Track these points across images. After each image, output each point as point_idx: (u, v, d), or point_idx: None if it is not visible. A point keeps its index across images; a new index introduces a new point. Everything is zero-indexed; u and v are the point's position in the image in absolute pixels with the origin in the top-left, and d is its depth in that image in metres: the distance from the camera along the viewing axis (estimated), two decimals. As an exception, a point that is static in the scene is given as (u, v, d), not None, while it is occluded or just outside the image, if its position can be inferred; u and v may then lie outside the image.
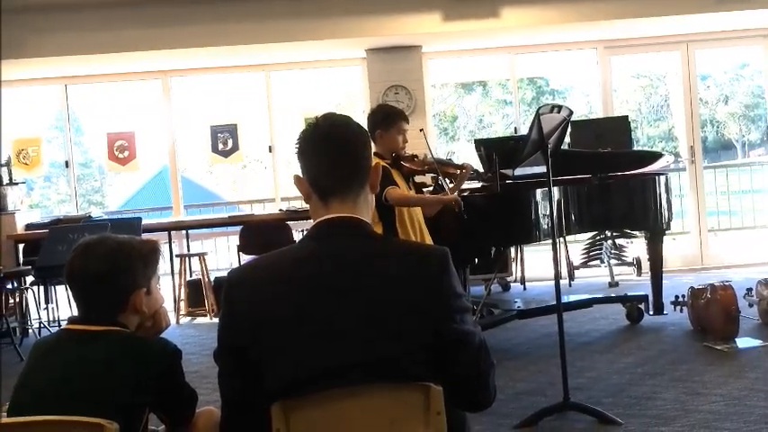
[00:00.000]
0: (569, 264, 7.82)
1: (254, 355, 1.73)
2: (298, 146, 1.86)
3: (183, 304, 7.74)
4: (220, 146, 8.53)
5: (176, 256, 7.98)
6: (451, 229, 4.76)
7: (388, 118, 4.34)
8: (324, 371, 1.68)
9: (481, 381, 1.83)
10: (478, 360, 1.81)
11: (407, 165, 4.40)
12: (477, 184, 6.07)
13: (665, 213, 5.83)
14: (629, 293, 6.43)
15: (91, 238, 2.21)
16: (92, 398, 1.99)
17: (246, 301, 1.76)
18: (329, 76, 10.61)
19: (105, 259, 2.15)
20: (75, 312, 2.23)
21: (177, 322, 7.44)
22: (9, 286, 7.02)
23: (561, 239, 6.92)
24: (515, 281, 8.10)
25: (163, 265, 7.30)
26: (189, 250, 8.35)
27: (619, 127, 7.25)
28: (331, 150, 1.83)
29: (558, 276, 4.18)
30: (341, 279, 1.73)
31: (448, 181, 4.50)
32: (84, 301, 2.18)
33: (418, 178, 4.67)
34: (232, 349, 1.77)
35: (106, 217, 8.24)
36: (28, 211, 8.28)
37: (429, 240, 4.30)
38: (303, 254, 1.81)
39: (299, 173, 1.88)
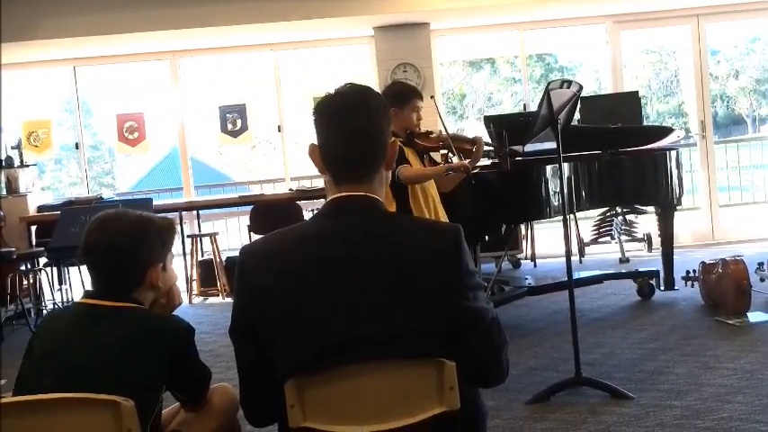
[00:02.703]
0: (580, 240, 7.82)
1: (264, 334, 1.73)
2: (314, 116, 1.82)
3: (195, 284, 7.79)
4: (229, 126, 8.52)
5: (188, 236, 8.01)
6: (462, 200, 4.75)
7: (402, 96, 4.25)
8: (332, 347, 1.67)
9: (494, 357, 1.84)
10: (491, 337, 1.81)
11: (421, 142, 4.30)
12: (487, 161, 6.05)
13: (676, 189, 5.81)
14: (640, 269, 6.42)
15: (107, 213, 2.18)
16: (107, 375, 1.99)
17: (257, 280, 1.75)
18: (337, 54, 10.56)
19: (123, 232, 2.13)
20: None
21: (190, 302, 7.51)
22: (23, 268, 7.08)
23: (572, 216, 6.92)
24: (526, 258, 8.10)
25: (175, 246, 7.39)
26: (200, 231, 8.38)
27: (629, 103, 7.19)
28: (347, 128, 1.78)
29: (569, 253, 4.17)
30: (351, 259, 1.72)
31: (463, 157, 4.40)
32: (100, 274, 2.16)
33: (433, 154, 4.61)
34: (245, 327, 1.77)
35: (118, 198, 8.28)
36: (40, 194, 8.31)
37: (443, 217, 4.24)
38: (314, 233, 1.80)
39: (315, 142, 1.83)
